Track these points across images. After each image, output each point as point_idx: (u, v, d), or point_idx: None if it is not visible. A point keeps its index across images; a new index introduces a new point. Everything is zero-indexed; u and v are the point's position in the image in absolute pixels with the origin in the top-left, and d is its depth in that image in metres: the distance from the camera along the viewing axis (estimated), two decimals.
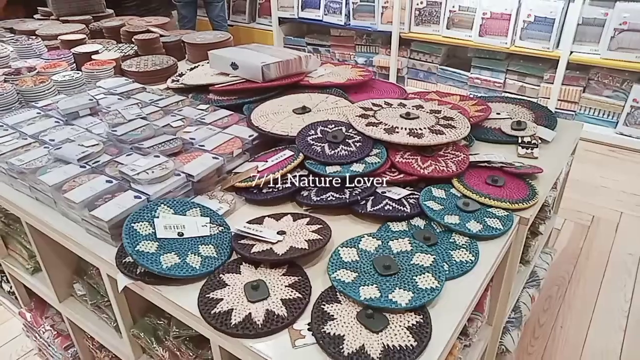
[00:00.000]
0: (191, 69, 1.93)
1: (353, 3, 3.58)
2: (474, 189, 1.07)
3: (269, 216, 1.05)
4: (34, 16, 2.64)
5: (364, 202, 1.06)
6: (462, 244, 0.93)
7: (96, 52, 1.90)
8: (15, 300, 1.72)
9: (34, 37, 1.93)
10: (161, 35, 2.13)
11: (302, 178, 1.14)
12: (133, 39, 2.06)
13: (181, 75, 1.88)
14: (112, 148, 1.24)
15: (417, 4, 3.33)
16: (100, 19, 2.49)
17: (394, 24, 3.42)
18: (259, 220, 1.04)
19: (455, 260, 0.89)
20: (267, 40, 4.12)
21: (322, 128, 1.26)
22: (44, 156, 1.20)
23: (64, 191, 1.06)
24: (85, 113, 1.43)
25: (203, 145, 1.24)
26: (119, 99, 1.55)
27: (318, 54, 4.02)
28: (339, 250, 0.92)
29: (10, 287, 1.66)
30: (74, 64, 1.86)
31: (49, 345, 1.54)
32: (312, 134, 1.24)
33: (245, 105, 1.50)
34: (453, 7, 3.22)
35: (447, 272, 0.86)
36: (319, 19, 3.82)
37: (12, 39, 2.02)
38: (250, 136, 1.29)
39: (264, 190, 1.13)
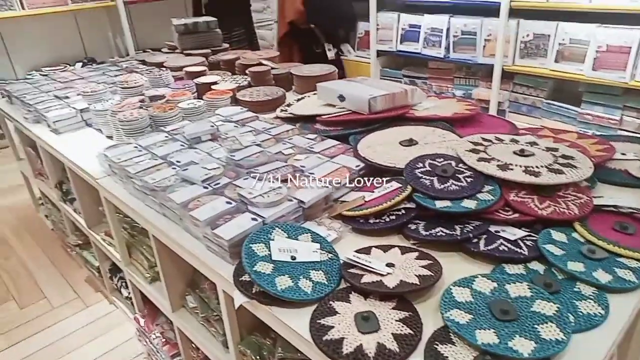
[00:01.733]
0: (298, 100, 2.03)
1: (454, 36, 3.56)
2: (599, 235, 0.99)
3: (376, 247, 1.06)
4: (162, 50, 2.95)
5: (476, 240, 1.03)
6: (589, 295, 0.86)
7: (215, 83, 2.08)
8: (131, 305, 1.89)
9: (164, 69, 2.16)
10: (272, 68, 2.27)
11: (409, 211, 1.14)
12: (247, 71, 2.22)
13: (289, 105, 1.99)
14: (231, 172, 1.34)
15: (523, 37, 3.22)
16: (217, 52, 2.72)
17: (496, 57, 3.33)
18: (366, 250, 1.05)
19: (581, 312, 0.83)
20: (365, 71, 4.21)
21: (431, 161, 1.26)
22: (172, 176, 1.33)
23: (190, 209, 1.16)
24: (207, 138, 1.56)
25: (313, 173, 1.30)
26: (235, 126, 1.67)
27: (415, 86, 4.01)
28: (451, 289, 0.89)
29: (129, 293, 1.82)
30: (196, 93, 2.05)
31: (158, 351, 1.66)
32: (421, 167, 1.24)
33: (351, 136, 1.55)
34: (563, 40, 3.06)
35: (572, 324, 0.80)
36: (417, 51, 3.83)
37: (146, 70, 2.28)
38: (357, 166, 1.32)
39: (371, 221, 1.14)
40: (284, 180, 1.26)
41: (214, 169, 1.32)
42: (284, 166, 1.33)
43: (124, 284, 1.89)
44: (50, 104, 2.06)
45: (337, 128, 1.63)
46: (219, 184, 1.27)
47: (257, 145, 1.48)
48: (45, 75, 4.10)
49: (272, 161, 1.38)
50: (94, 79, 2.43)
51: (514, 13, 3.20)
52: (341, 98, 1.70)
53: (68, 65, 4.28)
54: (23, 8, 3.86)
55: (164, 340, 1.64)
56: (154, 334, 1.67)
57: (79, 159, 1.67)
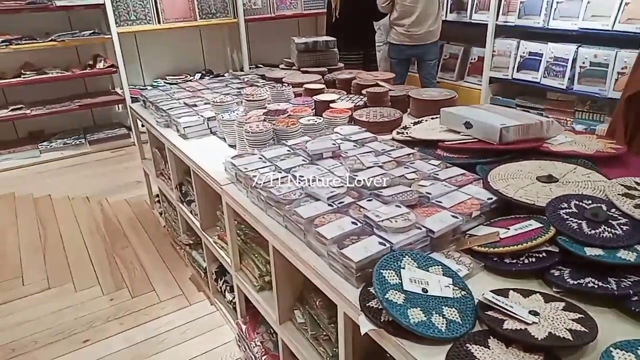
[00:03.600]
0: (415, 123, 1.99)
1: (580, 67, 3.30)
2: None
3: (513, 290, 0.97)
4: (279, 66, 3.08)
5: (636, 298, 0.90)
6: None
7: (333, 101, 2.10)
8: (232, 310, 1.94)
9: (286, 84, 2.24)
10: (389, 89, 2.25)
11: (552, 255, 1.03)
12: (364, 92, 2.22)
13: (406, 128, 1.95)
14: (354, 191, 1.32)
15: None
16: (332, 71, 2.77)
17: None
18: (502, 293, 0.96)
19: None
20: (474, 99, 4.05)
21: (577, 202, 1.14)
22: (296, 190, 1.34)
23: (316, 225, 1.16)
24: (328, 155, 1.57)
25: (440, 202, 1.24)
26: (354, 145, 1.67)
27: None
28: (611, 352, 0.79)
29: (233, 298, 1.88)
30: (314, 109, 2.09)
31: None
32: (565, 208, 1.13)
33: (478, 166, 1.46)
34: None
35: None
36: (536, 81, 3.62)
37: (269, 85, 2.37)
38: (489, 199, 1.24)
39: (507, 260, 1.05)
40: (410, 206, 1.22)
41: (339, 187, 1.32)
42: (408, 191, 1.29)
43: (228, 287, 1.95)
44: (180, 110, 2.22)
45: (462, 156, 1.56)
46: (342, 202, 1.26)
47: (379, 166, 1.45)
48: (170, 83, 4.50)
49: (395, 184, 1.34)
50: (219, 90, 2.58)
51: None
52: (468, 125, 1.63)
53: (188, 75, 4.64)
54: (159, 22, 4.27)
55: (263, 350, 1.66)
56: (255, 342, 1.69)
57: (205, 164, 1.77)
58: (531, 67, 3.66)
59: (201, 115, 2.12)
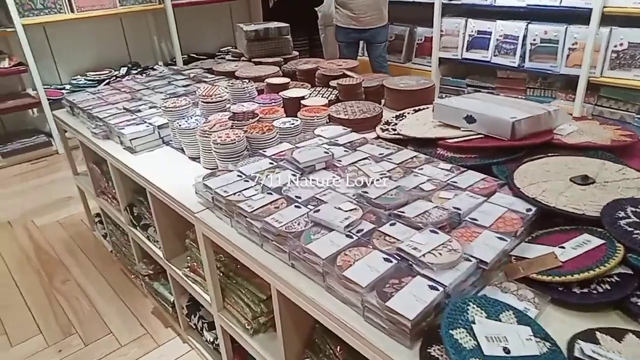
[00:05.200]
0: (398, 117, 1.79)
1: (531, 44, 3.28)
2: None
3: (599, 331, 0.81)
4: (225, 57, 2.75)
5: None
6: None
7: (303, 97, 1.85)
8: (214, 351, 1.67)
9: (246, 80, 1.93)
10: (361, 80, 2.03)
11: (627, 279, 0.88)
12: (336, 84, 1.99)
13: (389, 123, 1.75)
14: (369, 213, 1.10)
15: (616, 46, 2.93)
16: (288, 61, 2.50)
17: (583, 67, 3.05)
18: (589, 336, 0.80)
19: None
20: None
21: (634, 209, 1.00)
22: (299, 217, 1.10)
23: (340, 267, 0.93)
24: (321, 167, 1.33)
25: (475, 219, 1.05)
26: (345, 150, 1.44)
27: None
28: None
29: (215, 339, 1.60)
30: (283, 108, 1.82)
31: None
32: (623, 216, 0.98)
33: (494, 167, 1.30)
34: None
35: None
36: (486, 59, 3.57)
37: (227, 81, 2.03)
38: (528, 210, 1.08)
39: (576, 290, 0.89)
40: (441, 228, 1.02)
41: (351, 210, 1.09)
42: (433, 207, 1.09)
43: (206, 325, 1.67)
44: (121, 118, 1.86)
45: (470, 155, 1.39)
46: (362, 230, 1.04)
47: (388, 177, 1.24)
48: (92, 80, 3.96)
49: (414, 199, 1.14)
50: (161, 89, 2.23)
51: (606, 20, 2.92)
52: (470, 119, 1.45)
53: (112, 70, 4.12)
54: (72, 11, 3.71)
55: None
56: None
57: (166, 185, 1.46)
58: (480, 45, 3.60)
59: (150, 124, 1.78)
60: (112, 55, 4.26)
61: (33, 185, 3.25)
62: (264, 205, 1.16)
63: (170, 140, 1.78)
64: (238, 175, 1.32)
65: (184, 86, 2.24)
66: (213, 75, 2.37)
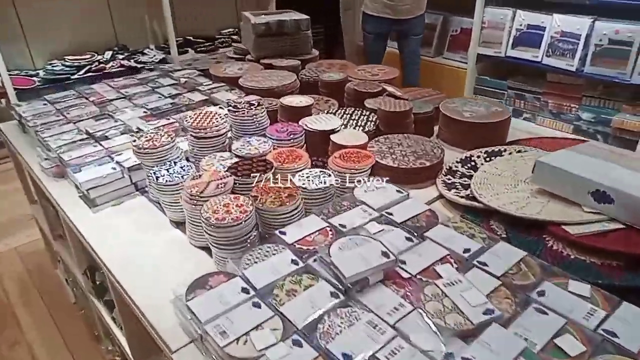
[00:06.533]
0: (463, 162, 1.29)
1: (596, 45, 2.72)
2: None
3: None
4: (227, 54, 2.20)
5: None
6: None
7: (333, 131, 1.33)
8: None
9: (257, 105, 1.37)
10: (404, 99, 1.50)
11: None
12: (373, 105, 1.46)
13: (452, 172, 1.24)
14: None
15: None
16: (305, 63, 1.96)
17: None
18: None
19: None
20: (456, 80, 3.40)
21: None
22: None
23: None
24: (377, 279, 0.82)
25: None
26: (408, 239, 0.93)
27: (522, 101, 3.22)
28: None
29: None
30: (304, 146, 1.30)
31: None
32: None
33: None
34: None
35: None
36: (536, 60, 3.01)
37: (229, 103, 1.42)
38: None
39: None
40: None
41: None
42: None
43: None
44: (81, 149, 1.34)
45: (611, 263, 0.88)
46: None
47: (491, 316, 0.73)
48: (70, 66, 3.39)
49: None
50: (142, 97, 1.70)
51: None
52: (601, 197, 0.94)
53: (96, 54, 3.55)
54: None
55: None
56: None
57: (133, 281, 0.96)
58: (530, 42, 3.04)
59: (119, 163, 1.26)
60: (96, 36, 3.67)
61: None
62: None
63: (147, 187, 1.26)
64: (243, 290, 0.82)
65: (170, 96, 1.71)
66: (210, 82, 1.83)
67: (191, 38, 4.05)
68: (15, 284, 2.05)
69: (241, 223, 0.92)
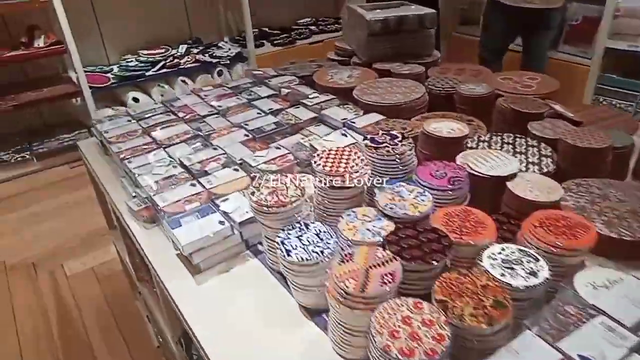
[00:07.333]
0: None
1: None
2: None
3: None
4: (328, 55, 1.87)
5: None
6: None
7: (507, 178, 0.97)
8: None
9: (398, 137, 1.02)
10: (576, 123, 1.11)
11: None
12: (559, 141, 1.08)
13: None
14: None
15: None
16: (428, 67, 1.60)
17: None
18: None
19: None
20: (577, 78, 2.89)
21: None
22: None
23: None
24: None
25: None
26: None
27: None
28: None
29: None
30: (467, 199, 0.96)
31: None
32: None
33: None
34: None
35: None
36: None
37: (368, 145, 1.03)
38: None
39: None
40: None
41: None
42: None
43: None
44: (179, 189, 1.07)
45: None
46: None
47: None
48: (145, 62, 3.20)
49: None
50: (238, 115, 1.41)
51: None
52: None
53: (170, 48, 3.34)
54: None
55: None
56: None
57: None
58: None
59: (226, 215, 0.97)
60: (170, 29, 3.47)
61: (69, 202, 2.59)
62: None
63: (260, 244, 0.97)
64: None
65: (271, 112, 1.41)
66: (315, 92, 1.51)
67: (267, 29, 3.77)
68: (91, 312, 1.87)
69: None
